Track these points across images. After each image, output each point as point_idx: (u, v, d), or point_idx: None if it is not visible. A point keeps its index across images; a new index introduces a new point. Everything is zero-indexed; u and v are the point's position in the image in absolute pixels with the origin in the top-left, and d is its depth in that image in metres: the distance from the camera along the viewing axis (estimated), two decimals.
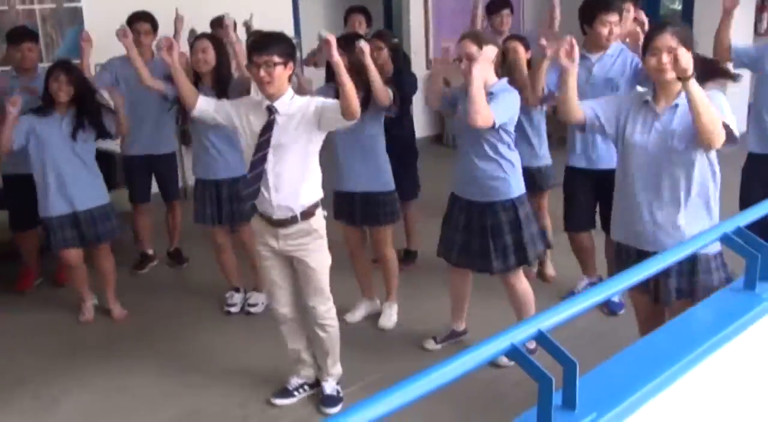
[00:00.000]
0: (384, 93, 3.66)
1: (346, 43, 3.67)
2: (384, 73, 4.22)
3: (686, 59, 2.56)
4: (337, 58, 2.97)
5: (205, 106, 3.32)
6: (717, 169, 2.81)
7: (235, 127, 3.20)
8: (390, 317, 4.17)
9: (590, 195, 4.05)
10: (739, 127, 2.78)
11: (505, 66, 3.87)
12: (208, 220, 4.25)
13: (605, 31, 3.77)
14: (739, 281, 1.96)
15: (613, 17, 3.78)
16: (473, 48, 3.24)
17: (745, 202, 3.91)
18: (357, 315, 4.23)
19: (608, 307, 4.09)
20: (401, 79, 4.28)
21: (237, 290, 4.47)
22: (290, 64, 3.04)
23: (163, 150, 5.04)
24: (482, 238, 3.45)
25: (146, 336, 4.18)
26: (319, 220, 3.21)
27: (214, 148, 4.11)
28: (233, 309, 4.41)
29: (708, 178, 2.79)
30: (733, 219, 1.93)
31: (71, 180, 4.13)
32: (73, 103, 4.13)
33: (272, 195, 3.10)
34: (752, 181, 4.08)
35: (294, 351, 3.47)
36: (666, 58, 2.66)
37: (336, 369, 3.48)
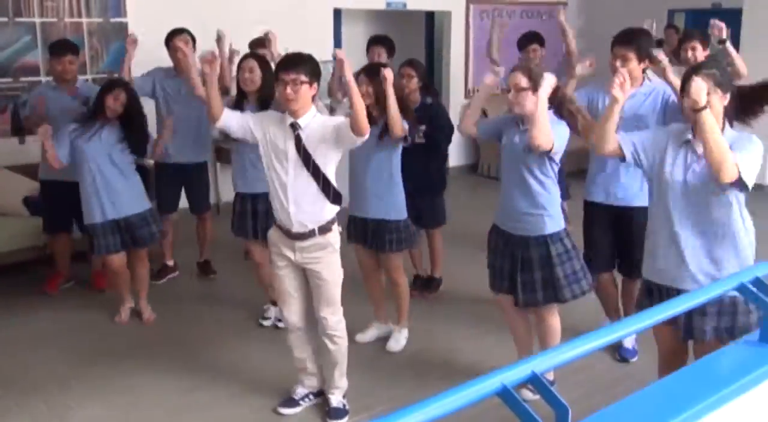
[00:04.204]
0: (399, 124, 3.70)
1: (371, 72, 3.77)
2: (411, 102, 4.27)
3: (696, 89, 2.57)
4: (350, 77, 3.07)
5: (227, 118, 3.37)
6: (746, 214, 2.83)
7: (256, 140, 3.29)
8: (398, 341, 4.20)
9: (609, 232, 3.92)
10: None
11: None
12: (249, 234, 4.31)
13: (616, 63, 3.65)
14: (754, 334, 1.89)
15: (624, 51, 3.64)
16: (523, 80, 3.29)
17: None
18: (368, 335, 4.27)
19: (620, 354, 3.96)
20: (437, 112, 4.50)
21: (274, 303, 4.41)
22: (315, 85, 3.16)
23: (195, 160, 5.12)
24: (523, 271, 3.41)
25: (169, 346, 4.21)
26: (335, 236, 3.31)
27: (253, 163, 4.14)
28: (266, 323, 4.46)
29: (738, 221, 2.79)
30: (751, 269, 1.87)
31: (112, 187, 4.28)
32: (119, 119, 4.30)
33: (291, 209, 3.19)
34: None
35: (300, 360, 3.53)
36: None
37: (342, 382, 3.51)
